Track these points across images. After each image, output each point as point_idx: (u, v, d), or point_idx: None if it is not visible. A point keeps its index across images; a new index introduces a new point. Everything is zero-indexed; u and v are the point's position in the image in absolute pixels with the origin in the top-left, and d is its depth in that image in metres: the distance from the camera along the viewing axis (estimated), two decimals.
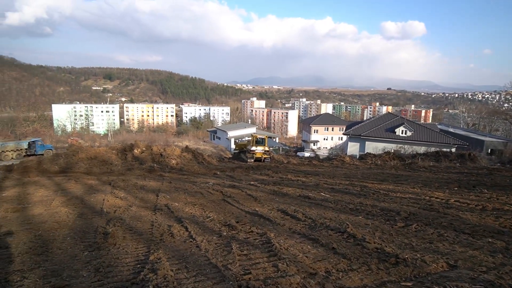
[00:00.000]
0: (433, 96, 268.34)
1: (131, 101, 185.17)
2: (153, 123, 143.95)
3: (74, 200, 8.35)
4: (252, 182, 11.71)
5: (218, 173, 16.90)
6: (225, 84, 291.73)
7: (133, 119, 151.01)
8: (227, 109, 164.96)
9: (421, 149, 30.71)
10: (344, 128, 75.98)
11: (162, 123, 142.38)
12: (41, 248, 4.54)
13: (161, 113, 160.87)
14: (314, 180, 12.97)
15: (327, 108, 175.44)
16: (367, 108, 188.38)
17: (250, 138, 29.71)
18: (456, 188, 10.14)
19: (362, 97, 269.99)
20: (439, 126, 50.39)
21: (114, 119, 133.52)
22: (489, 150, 38.92)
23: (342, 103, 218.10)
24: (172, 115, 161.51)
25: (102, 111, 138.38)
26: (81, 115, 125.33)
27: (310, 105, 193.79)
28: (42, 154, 30.58)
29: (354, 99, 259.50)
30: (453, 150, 31.53)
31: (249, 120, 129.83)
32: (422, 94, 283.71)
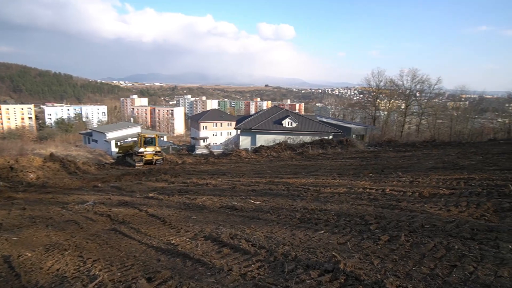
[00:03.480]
0: (302, 91, 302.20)
1: None
2: (2, 129, 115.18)
3: None
4: (150, 194, 8.99)
5: (99, 185, 13.17)
6: (99, 81, 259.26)
7: None
8: (103, 109, 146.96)
9: (307, 138, 32.56)
10: (232, 123, 77.03)
11: (17, 127, 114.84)
12: None
13: (14, 115, 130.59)
14: (225, 181, 11.12)
15: (212, 104, 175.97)
16: (249, 103, 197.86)
17: (136, 139, 25.68)
18: (371, 175, 10.00)
19: (243, 93, 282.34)
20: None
21: None
22: (355, 135, 44.79)
23: (226, 99, 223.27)
24: (30, 117, 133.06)
25: None
26: None
27: (196, 101, 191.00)
28: None
29: (237, 96, 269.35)
30: (331, 137, 34.63)
31: (131, 119, 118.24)
32: (294, 90, 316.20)
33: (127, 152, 26.52)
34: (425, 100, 51.59)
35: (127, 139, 51.72)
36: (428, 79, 49.05)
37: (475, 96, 57.60)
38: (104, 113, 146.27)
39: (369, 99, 58.83)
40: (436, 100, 55.68)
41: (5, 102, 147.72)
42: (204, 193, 8.71)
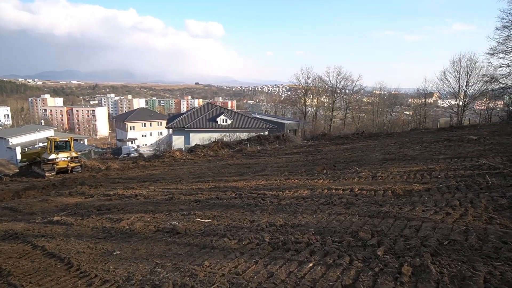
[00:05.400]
0: (233, 89, 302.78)
1: None
2: None
3: None
4: (56, 218, 6.68)
5: None
6: (0, 78, 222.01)
7: None
8: (6, 110, 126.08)
9: (243, 135, 31.64)
10: (163, 122, 72.57)
11: None
12: None
13: None
14: (160, 190, 9.18)
15: (139, 103, 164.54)
16: (180, 102, 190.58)
17: (46, 144, 21.50)
18: (325, 171, 9.15)
19: (173, 92, 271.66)
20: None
21: None
22: (288, 130, 45.37)
23: (154, 98, 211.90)
24: None
25: None
26: None
27: (121, 101, 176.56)
28: None
29: (166, 94, 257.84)
30: (266, 133, 34.32)
31: (42, 121, 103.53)
32: (225, 87, 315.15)
33: (35, 160, 22.09)
34: (345, 96, 54.97)
35: (36, 144, 44.55)
36: (350, 75, 52.31)
37: (384, 92, 63.29)
38: (8, 115, 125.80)
39: (299, 95, 60.58)
40: (359, 95, 59.79)
41: None
42: (132, 209, 6.76)
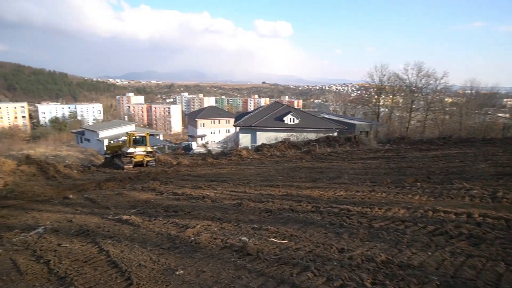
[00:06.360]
0: (300, 88, 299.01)
1: None
2: None
3: None
4: (125, 217, 6.54)
5: (70, 196, 10.67)
6: (95, 79, 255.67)
7: None
8: (98, 107, 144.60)
9: (311, 136, 30.19)
10: (231, 120, 74.58)
11: (10, 125, 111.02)
12: None
13: (7, 114, 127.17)
14: (227, 192, 8.68)
15: (209, 101, 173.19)
16: (247, 100, 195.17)
17: (126, 138, 23.19)
18: (419, 184, 7.62)
19: (241, 91, 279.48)
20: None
21: None
22: (360, 132, 42.25)
23: (223, 97, 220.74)
24: (23, 116, 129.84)
25: None
26: None
27: (193, 99, 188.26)
28: None
29: (234, 93, 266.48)
30: (335, 134, 32.26)
31: (126, 117, 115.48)
32: (291, 87, 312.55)
33: (116, 153, 24.05)
34: (424, 96, 49.03)
35: (120, 138, 49.46)
36: (434, 73, 46.39)
37: (473, 91, 54.72)
38: (100, 111, 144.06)
39: (372, 93, 56.30)
40: (440, 94, 53.01)
41: None
42: (199, 215, 6.27)
